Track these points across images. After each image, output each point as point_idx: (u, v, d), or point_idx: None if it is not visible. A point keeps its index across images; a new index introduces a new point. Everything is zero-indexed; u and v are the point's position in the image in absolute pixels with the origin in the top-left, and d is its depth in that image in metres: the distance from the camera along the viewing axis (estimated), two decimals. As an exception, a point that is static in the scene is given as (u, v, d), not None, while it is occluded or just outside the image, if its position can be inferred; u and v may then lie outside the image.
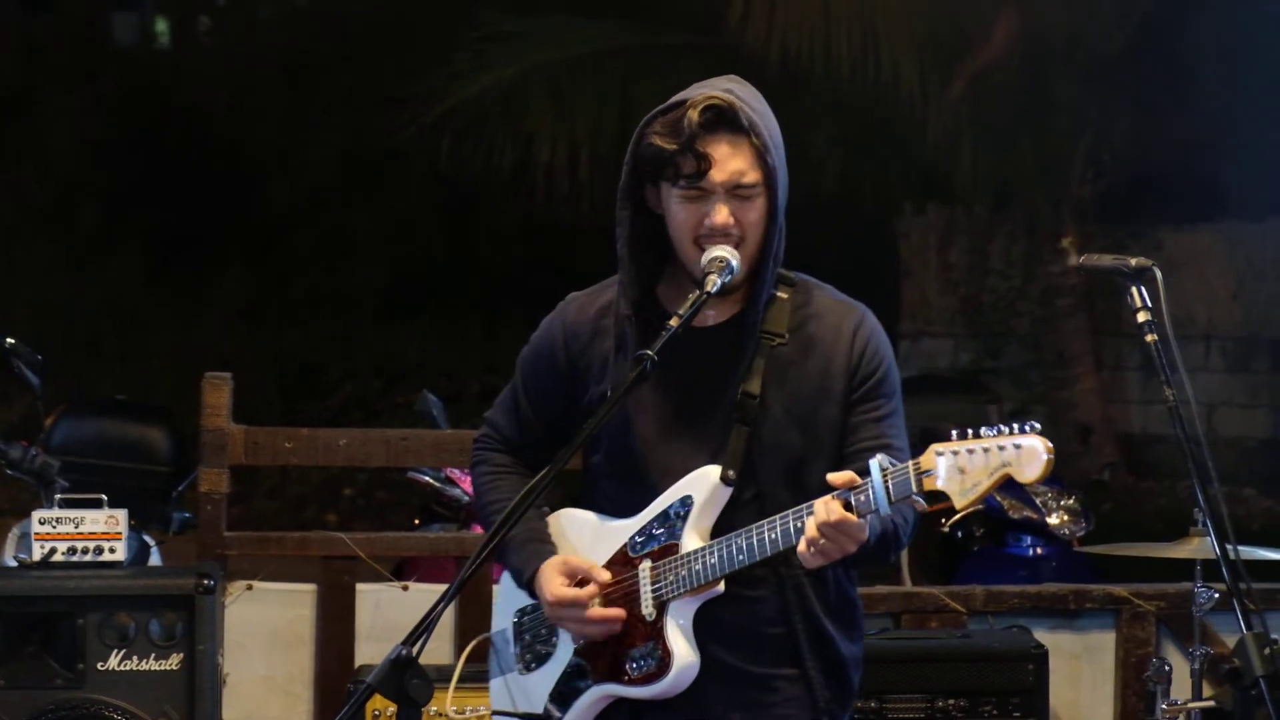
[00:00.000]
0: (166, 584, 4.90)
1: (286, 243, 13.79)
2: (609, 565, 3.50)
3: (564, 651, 3.56)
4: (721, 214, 3.39)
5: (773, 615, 3.46)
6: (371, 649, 5.24)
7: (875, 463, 3.22)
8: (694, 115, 3.37)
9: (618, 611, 3.44)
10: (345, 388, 13.23)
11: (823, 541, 3.23)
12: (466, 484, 6.36)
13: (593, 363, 3.53)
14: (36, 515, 4.93)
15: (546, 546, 3.54)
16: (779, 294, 3.49)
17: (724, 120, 3.38)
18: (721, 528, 3.43)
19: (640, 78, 10.62)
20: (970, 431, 3.19)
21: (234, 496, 5.46)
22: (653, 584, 3.44)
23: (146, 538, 5.90)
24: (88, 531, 4.89)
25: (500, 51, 11.10)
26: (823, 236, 10.37)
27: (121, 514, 4.92)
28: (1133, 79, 11.08)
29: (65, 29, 14.75)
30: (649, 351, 3.29)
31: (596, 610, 3.44)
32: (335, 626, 5.30)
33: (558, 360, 3.57)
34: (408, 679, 3.11)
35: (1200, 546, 4.72)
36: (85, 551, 4.87)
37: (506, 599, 3.67)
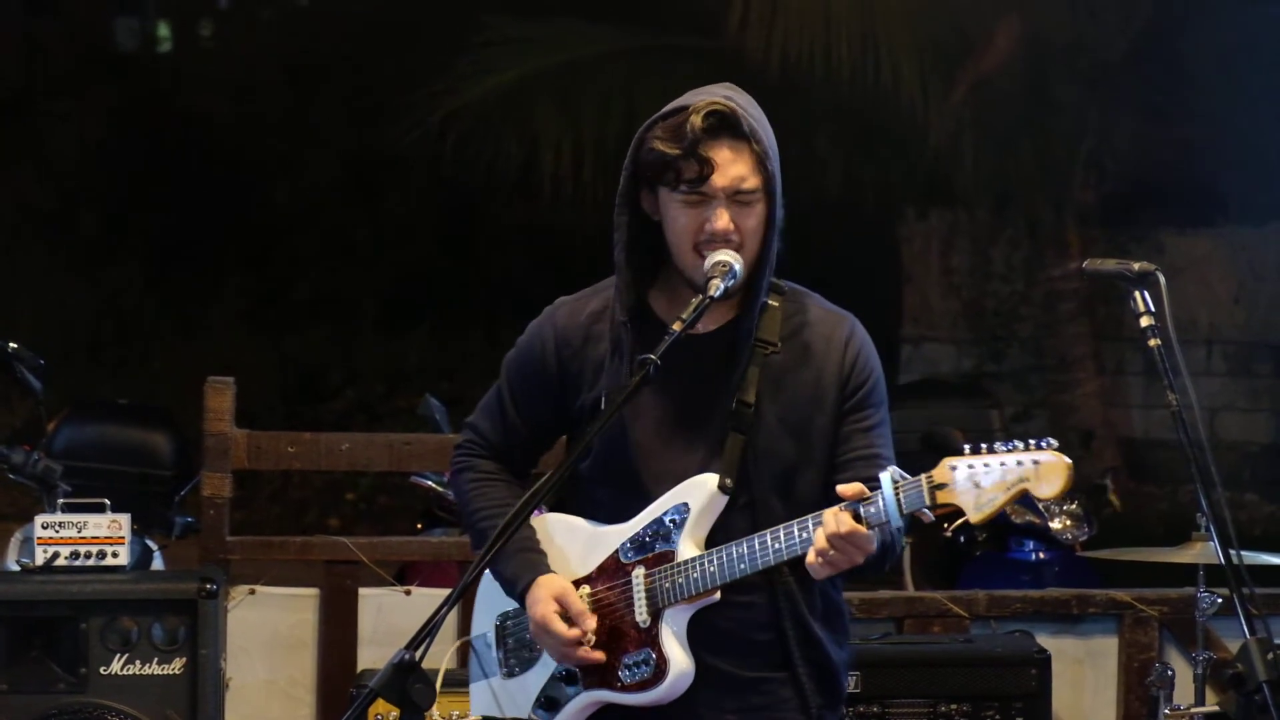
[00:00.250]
0: (169, 588, 4.90)
1: (288, 246, 13.78)
2: (599, 571, 3.49)
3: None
4: (722, 219, 3.39)
5: (764, 621, 3.46)
6: (374, 653, 5.24)
7: (886, 475, 3.23)
8: (697, 120, 3.37)
9: (599, 656, 3.44)
10: (347, 392, 13.23)
11: (832, 553, 3.25)
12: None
13: (585, 368, 3.53)
14: (39, 520, 4.94)
15: (538, 556, 3.53)
16: (770, 302, 3.49)
17: (726, 126, 3.39)
18: (714, 535, 3.43)
19: (644, 81, 10.62)
20: (984, 446, 3.19)
21: (236, 501, 5.46)
22: (647, 591, 3.43)
23: (149, 542, 5.89)
24: (90, 536, 4.90)
25: (503, 55, 11.10)
26: (825, 241, 10.37)
27: (124, 518, 4.92)
28: (1134, 83, 11.08)
29: (67, 32, 14.75)
30: (652, 356, 3.29)
31: (584, 652, 3.44)
32: (337, 631, 5.30)
33: (548, 366, 3.56)
34: (410, 683, 3.12)
35: (1203, 551, 4.72)
36: (88, 556, 4.88)
37: (487, 602, 3.65)
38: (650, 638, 3.43)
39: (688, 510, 3.43)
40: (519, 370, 3.61)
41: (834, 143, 11.05)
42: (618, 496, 3.50)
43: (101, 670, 4.80)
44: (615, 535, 3.49)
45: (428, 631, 3.14)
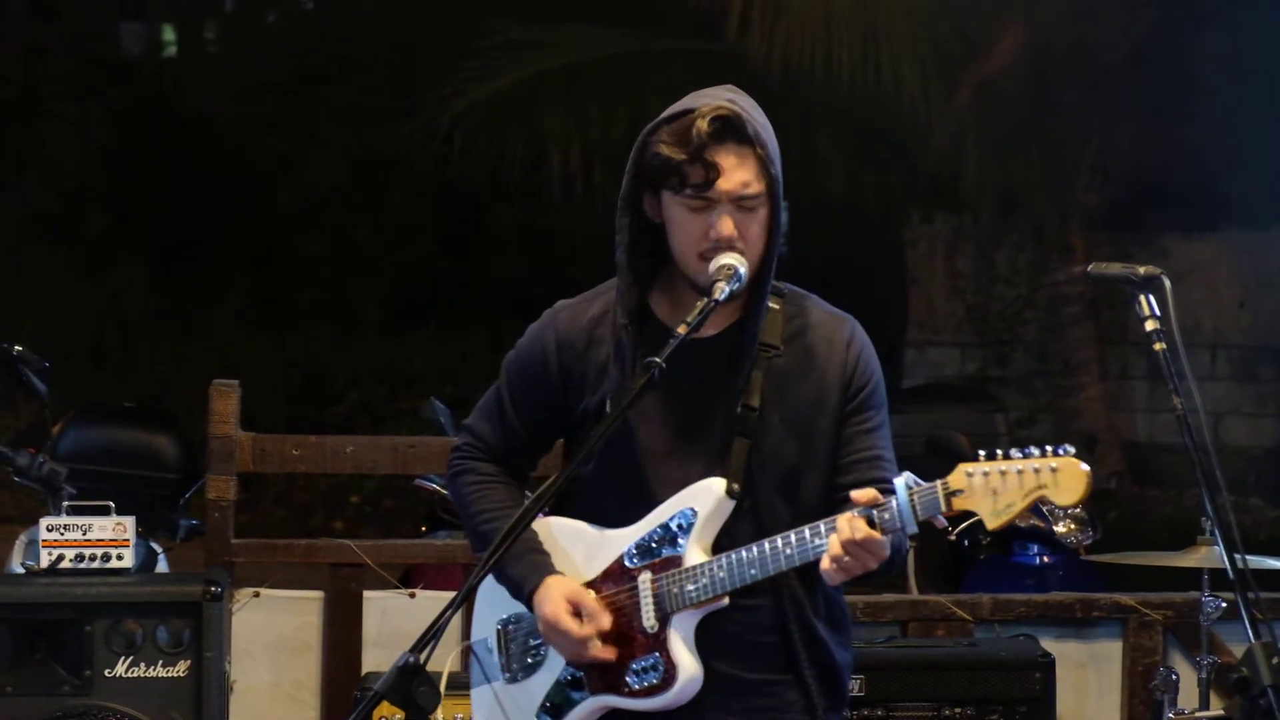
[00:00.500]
0: (174, 591, 4.91)
1: (292, 249, 13.79)
2: (604, 576, 3.48)
3: (556, 661, 3.52)
4: (727, 225, 3.38)
5: (769, 624, 3.46)
6: (378, 656, 5.24)
7: (901, 482, 3.23)
8: (703, 125, 3.37)
9: (611, 653, 3.43)
10: (351, 395, 13.23)
11: (847, 559, 3.25)
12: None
13: (587, 372, 3.51)
14: (44, 522, 4.94)
15: (544, 558, 3.51)
16: (771, 305, 3.49)
17: (731, 130, 3.38)
18: (719, 539, 3.42)
19: (648, 84, 10.63)
20: (999, 452, 3.19)
21: (241, 503, 5.46)
22: (654, 596, 3.42)
23: (154, 545, 5.89)
24: (95, 539, 4.90)
25: (508, 59, 11.11)
26: (829, 244, 10.37)
27: (129, 521, 4.93)
28: (1138, 86, 11.08)
29: (72, 37, 14.76)
30: (658, 359, 3.29)
31: (597, 649, 3.42)
32: (342, 633, 5.31)
33: (549, 369, 3.55)
34: (415, 686, 3.12)
35: (1208, 555, 4.72)
36: (93, 559, 4.88)
37: (488, 606, 3.63)
38: (658, 643, 3.42)
39: (695, 515, 3.42)
40: (519, 373, 3.60)
41: (837, 146, 11.05)
42: (622, 501, 3.48)
43: (106, 673, 4.80)
44: (620, 540, 3.48)
45: (432, 634, 3.14)
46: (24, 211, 13.91)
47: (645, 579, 3.43)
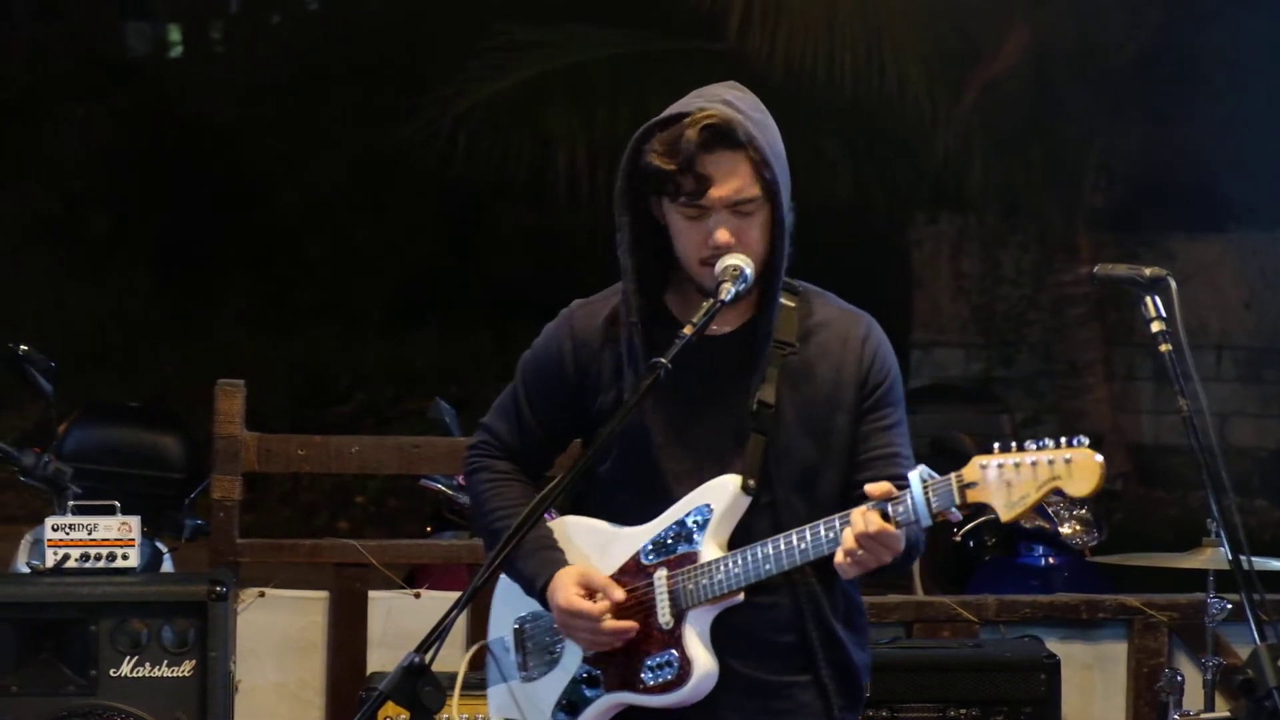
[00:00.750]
0: (179, 591, 4.91)
1: (296, 249, 13.80)
2: (620, 573, 3.49)
3: (572, 659, 3.54)
4: (723, 233, 3.39)
5: (786, 622, 3.46)
6: (383, 656, 5.24)
7: (915, 475, 3.23)
8: (692, 134, 3.36)
9: (631, 624, 3.43)
10: (356, 395, 13.24)
11: (860, 552, 3.25)
12: (478, 491, 6.35)
13: (602, 370, 3.53)
14: (49, 522, 4.94)
15: (557, 554, 3.52)
16: (785, 302, 3.50)
17: (721, 137, 3.37)
18: (736, 536, 3.43)
19: (652, 84, 10.62)
20: (1014, 444, 3.18)
21: (246, 503, 5.47)
22: (670, 592, 3.43)
23: (159, 544, 5.89)
24: (100, 538, 4.90)
25: (512, 59, 11.12)
26: (834, 245, 10.36)
27: (134, 521, 4.93)
28: (1143, 87, 11.07)
29: (74, 37, 14.76)
30: (663, 359, 3.30)
31: (612, 622, 3.42)
32: (347, 633, 5.31)
33: (565, 368, 3.56)
34: (420, 686, 3.12)
35: (1213, 557, 4.72)
36: (98, 558, 4.88)
37: (504, 605, 3.65)
38: (673, 639, 3.43)
39: (711, 511, 3.43)
40: (536, 372, 3.61)
41: (841, 147, 11.05)
42: (638, 498, 3.50)
43: (111, 672, 4.80)
44: (636, 537, 3.49)
45: (438, 634, 3.15)
46: (27, 212, 13.92)
47: (661, 575, 3.44)
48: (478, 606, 5.02)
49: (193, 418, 6.49)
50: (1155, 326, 3.77)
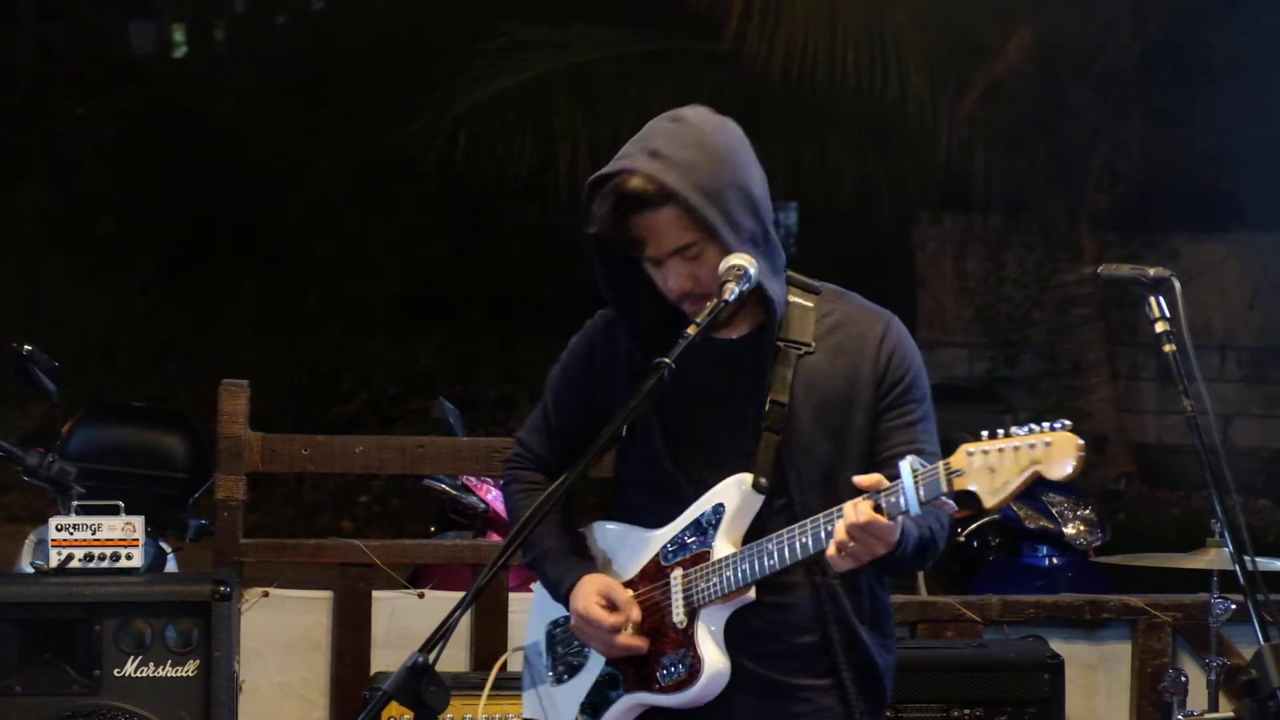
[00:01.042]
0: (183, 591, 4.90)
1: (301, 250, 13.81)
2: (642, 575, 3.52)
3: (596, 662, 3.57)
4: (675, 281, 3.41)
5: (806, 623, 3.46)
6: (387, 656, 5.24)
7: (905, 464, 3.21)
8: (610, 204, 3.39)
9: (641, 643, 3.46)
10: (360, 395, 13.25)
11: (851, 544, 3.23)
12: (483, 492, 6.36)
13: (619, 384, 3.54)
14: (53, 522, 4.94)
15: (585, 560, 3.57)
16: (804, 302, 3.50)
17: (639, 203, 3.38)
18: (754, 536, 3.43)
19: (655, 84, 10.62)
20: (1001, 431, 3.16)
21: (250, 503, 5.46)
22: (684, 591, 3.45)
23: (163, 544, 5.90)
24: (104, 538, 4.90)
25: (516, 60, 11.12)
26: (838, 245, 10.38)
27: (138, 520, 4.93)
28: (1148, 88, 11.07)
29: (82, 38, 14.78)
30: (666, 359, 3.30)
31: (625, 637, 3.46)
32: (351, 633, 5.30)
33: (586, 381, 3.60)
34: (424, 686, 3.12)
35: (1217, 557, 4.72)
36: (102, 558, 4.88)
37: (540, 611, 3.70)
38: (687, 638, 3.44)
39: (723, 510, 3.44)
40: (564, 384, 3.66)
41: (845, 147, 11.04)
42: (657, 501, 3.52)
43: (115, 672, 4.80)
44: (657, 539, 3.52)
45: (441, 634, 3.15)
46: (34, 212, 13.94)
47: (677, 575, 3.47)
48: (482, 607, 5.04)
49: (197, 417, 6.50)
50: (1159, 327, 3.77)
